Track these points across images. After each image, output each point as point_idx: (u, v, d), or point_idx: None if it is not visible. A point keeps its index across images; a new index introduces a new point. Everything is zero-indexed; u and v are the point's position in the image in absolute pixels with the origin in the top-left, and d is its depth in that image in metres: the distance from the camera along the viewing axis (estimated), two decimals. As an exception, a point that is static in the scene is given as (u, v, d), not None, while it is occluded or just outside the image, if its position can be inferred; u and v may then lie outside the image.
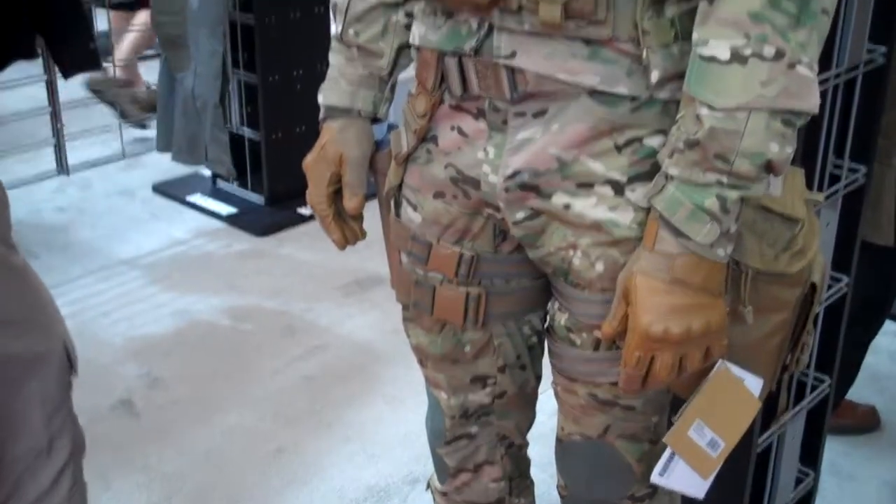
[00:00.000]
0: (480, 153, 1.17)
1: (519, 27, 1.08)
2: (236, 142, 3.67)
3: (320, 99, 1.35)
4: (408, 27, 1.28)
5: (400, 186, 1.29)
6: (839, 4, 1.58)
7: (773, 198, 1.13)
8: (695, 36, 1.00)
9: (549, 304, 1.27)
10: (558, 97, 1.10)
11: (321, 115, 1.36)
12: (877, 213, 2.01)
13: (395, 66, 1.33)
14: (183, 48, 3.32)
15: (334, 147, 1.34)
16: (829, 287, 1.80)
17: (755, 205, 1.13)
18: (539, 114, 1.11)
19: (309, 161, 1.36)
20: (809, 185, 1.63)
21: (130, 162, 4.02)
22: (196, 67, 3.44)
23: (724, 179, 1.00)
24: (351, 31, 1.31)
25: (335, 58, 1.35)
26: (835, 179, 1.74)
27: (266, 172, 3.68)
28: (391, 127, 1.36)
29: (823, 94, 1.60)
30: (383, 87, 1.34)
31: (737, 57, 0.97)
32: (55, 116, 3.58)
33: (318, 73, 3.57)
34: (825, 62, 1.58)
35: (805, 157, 1.59)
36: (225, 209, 3.68)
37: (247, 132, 3.67)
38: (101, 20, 3.84)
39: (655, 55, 1.05)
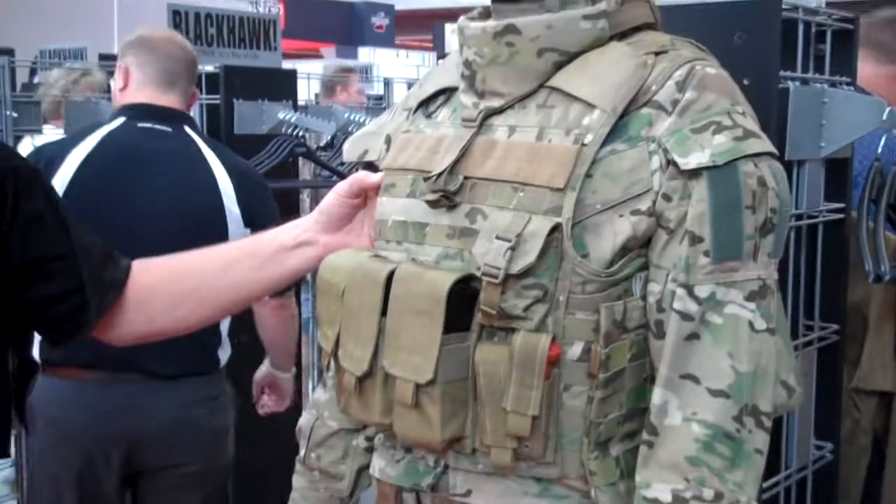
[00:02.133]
0: None
1: (473, 467, 1.14)
2: None
3: None
4: (368, 450, 1.34)
5: None
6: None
7: None
8: (637, 478, 1.07)
9: None
10: None
11: None
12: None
13: (356, 487, 1.37)
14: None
15: None
16: None
17: None
18: None
19: None
20: None
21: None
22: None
23: None
24: (313, 455, 1.37)
25: (298, 481, 1.40)
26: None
27: None
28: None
29: (775, 497, 1.65)
30: None
31: (678, 500, 1.03)
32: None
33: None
34: (775, 465, 1.65)
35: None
36: None
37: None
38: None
39: (603, 495, 1.10)
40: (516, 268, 1.06)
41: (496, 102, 1.16)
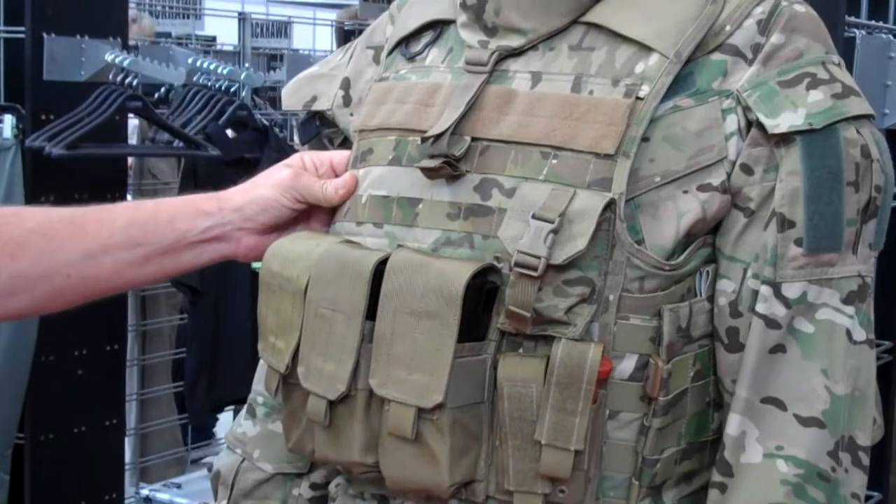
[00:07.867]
0: None
1: None
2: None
3: None
4: (316, 501, 1.35)
5: None
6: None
7: None
8: None
9: None
10: None
11: None
12: None
13: None
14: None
15: None
16: None
17: None
18: None
19: None
20: None
21: None
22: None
23: None
24: None
25: None
26: None
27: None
28: None
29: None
30: None
31: None
32: None
33: None
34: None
35: None
36: None
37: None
38: None
39: None
40: (562, 256, 1.07)
41: (514, 42, 1.18)
